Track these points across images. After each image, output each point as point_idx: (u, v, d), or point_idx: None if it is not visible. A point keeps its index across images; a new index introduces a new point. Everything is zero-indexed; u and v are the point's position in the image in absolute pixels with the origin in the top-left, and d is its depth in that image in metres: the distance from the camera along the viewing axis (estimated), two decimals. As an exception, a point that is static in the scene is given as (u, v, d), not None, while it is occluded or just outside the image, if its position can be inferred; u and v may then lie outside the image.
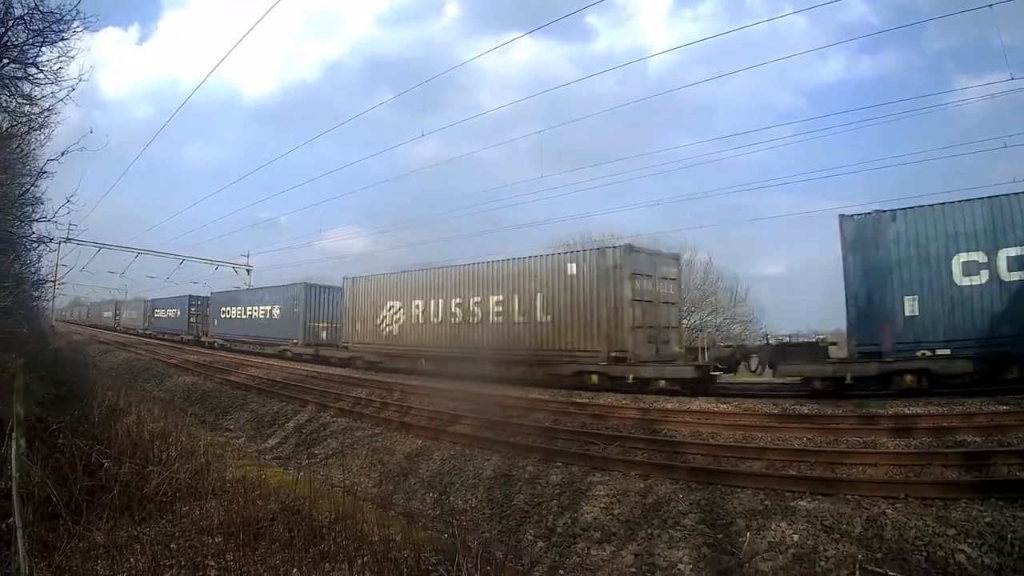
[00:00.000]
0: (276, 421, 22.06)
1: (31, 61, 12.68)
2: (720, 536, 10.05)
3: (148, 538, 8.32)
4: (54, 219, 15.12)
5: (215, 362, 39.07)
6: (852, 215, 20.72)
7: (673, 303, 26.80)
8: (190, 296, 62.36)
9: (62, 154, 13.46)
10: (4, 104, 13.69)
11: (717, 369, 23.29)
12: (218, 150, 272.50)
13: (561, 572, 10.17)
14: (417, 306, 32.43)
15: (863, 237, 20.49)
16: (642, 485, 12.20)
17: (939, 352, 18.69)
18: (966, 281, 18.50)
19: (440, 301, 31.18)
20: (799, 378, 21.48)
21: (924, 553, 8.61)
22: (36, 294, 27.36)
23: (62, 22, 12.23)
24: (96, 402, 14.89)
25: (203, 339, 57.93)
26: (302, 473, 13.84)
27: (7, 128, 14.62)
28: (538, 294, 26.62)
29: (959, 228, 18.68)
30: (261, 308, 48.39)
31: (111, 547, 7.88)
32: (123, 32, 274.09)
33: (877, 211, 20.34)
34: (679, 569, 9.54)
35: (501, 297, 28.26)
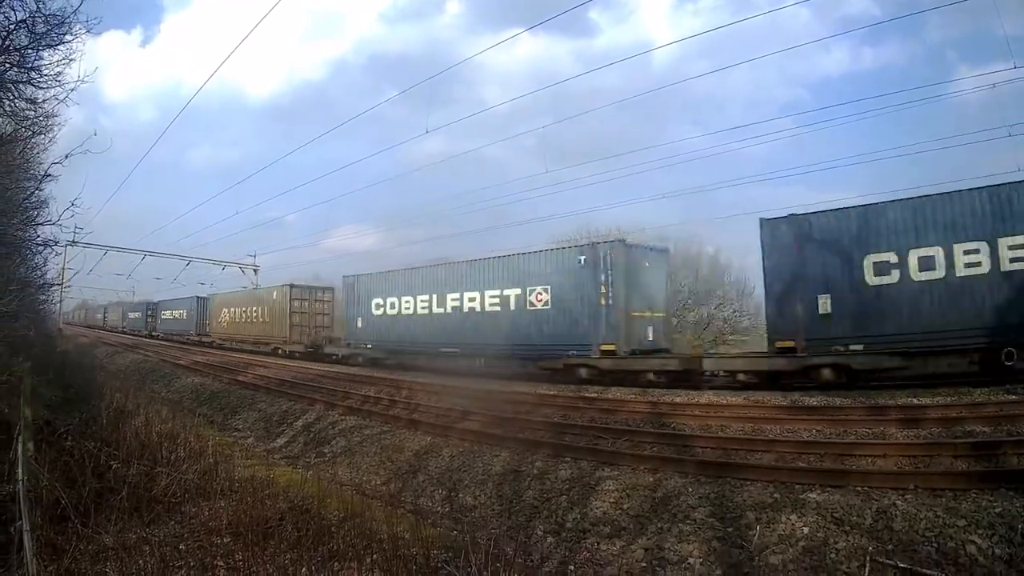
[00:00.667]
0: (285, 420, 22.05)
1: (33, 64, 12.68)
2: (730, 529, 10.02)
3: (157, 539, 8.33)
4: (59, 222, 15.14)
5: (223, 363, 39.06)
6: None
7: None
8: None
9: (66, 157, 13.48)
10: (7, 108, 13.68)
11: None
12: (224, 151, 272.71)
13: (571, 567, 10.14)
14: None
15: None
16: (651, 479, 12.16)
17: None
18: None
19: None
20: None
21: (934, 544, 8.58)
22: (43, 297, 27.42)
23: (64, 25, 12.23)
24: (104, 404, 14.92)
25: (204, 339, 60.12)
26: (311, 472, 13.87)
27: (11, 132, 14.62)
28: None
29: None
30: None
31: (120, 549, 7.89)
32: (126, 35, 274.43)
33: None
34: (689, 563, 9.52)
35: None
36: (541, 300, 27.23)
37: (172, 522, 9.43)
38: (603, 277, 25.05)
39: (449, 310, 31.40)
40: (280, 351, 45.39)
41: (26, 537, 6.83)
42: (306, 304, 45.35)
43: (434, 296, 32.33)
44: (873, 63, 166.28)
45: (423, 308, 32.91)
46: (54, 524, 8.28)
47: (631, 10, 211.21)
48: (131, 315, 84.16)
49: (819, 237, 20.21)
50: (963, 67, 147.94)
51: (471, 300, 30.29)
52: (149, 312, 74.84)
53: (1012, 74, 24.15)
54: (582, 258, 26.03)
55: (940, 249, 18.12)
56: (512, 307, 28.31)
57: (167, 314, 63.39)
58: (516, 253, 29.23)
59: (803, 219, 20.77)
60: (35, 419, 10.97)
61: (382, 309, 35.61)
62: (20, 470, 8.44)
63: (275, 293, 47.50)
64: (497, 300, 29.07)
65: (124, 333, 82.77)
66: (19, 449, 9.31)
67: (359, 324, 37.56)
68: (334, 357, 39.79)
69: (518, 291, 28.11)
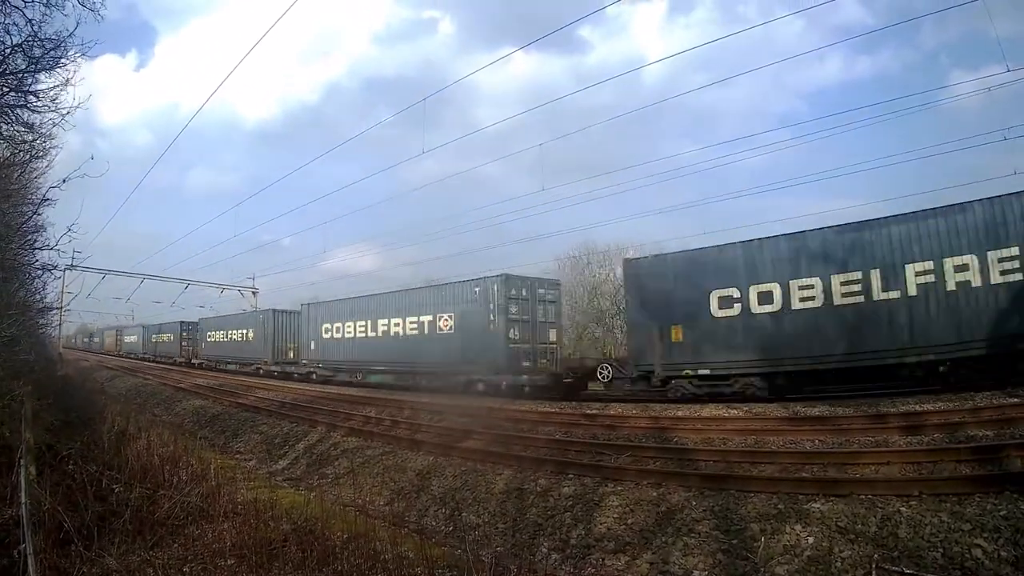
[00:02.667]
0: (286, 442, 22.03)
1: (30, 88, 12.70)
2: (735, 541, 10.02)
3: (161, 562, 8.32)
4: (56, 247, 15.15)
5: (224, 385, 39.13)
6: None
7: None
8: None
9: (64, 181, 13.50)
10: (4, 132, 13.71)
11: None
12: (221, 174, 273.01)
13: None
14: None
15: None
16: (655, 494, 12.15)
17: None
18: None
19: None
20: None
21: (940, 550, 8.58)
22: (42, 321, 27.42)
23: (60, 49, 12.25)
24: (105, 428, 14.93)
25: (193, 361, 64.13)
26: (314, 493, 13.83)
27: (8, 156, 14.65)
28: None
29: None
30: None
31: (123, 572, 7.89)
32: (120, 58, 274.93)
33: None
34: (694, 576, 9.53)
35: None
36: (447, 326, 32.06)
37: (175, 545, 9.40)
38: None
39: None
40: (261, 371, 49.31)
41: (30, 561, 6.82)
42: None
43: (368, 322, 37.59)
44: (868, 71, 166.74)
45: (360, 332, 38.22)
46: (57, 548, 8.26)
47: (622, 25, 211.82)
48: (128, 339, 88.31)
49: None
50: (957, 72, 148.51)
51: (396, 325, 35.42)
52: (185, 334, 74.40)
53: (1006, 77, 24.22)
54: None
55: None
56: (426, 331, 33.27)
57: (234, 334, 60.47)
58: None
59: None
60: (37, 443, 10.96)
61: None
62: (23, 494, 8.43)
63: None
64: (416, 325, 34.02)
65: (120, 356, 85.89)
66: (21, 473, 9.30)
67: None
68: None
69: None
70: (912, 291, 18.53)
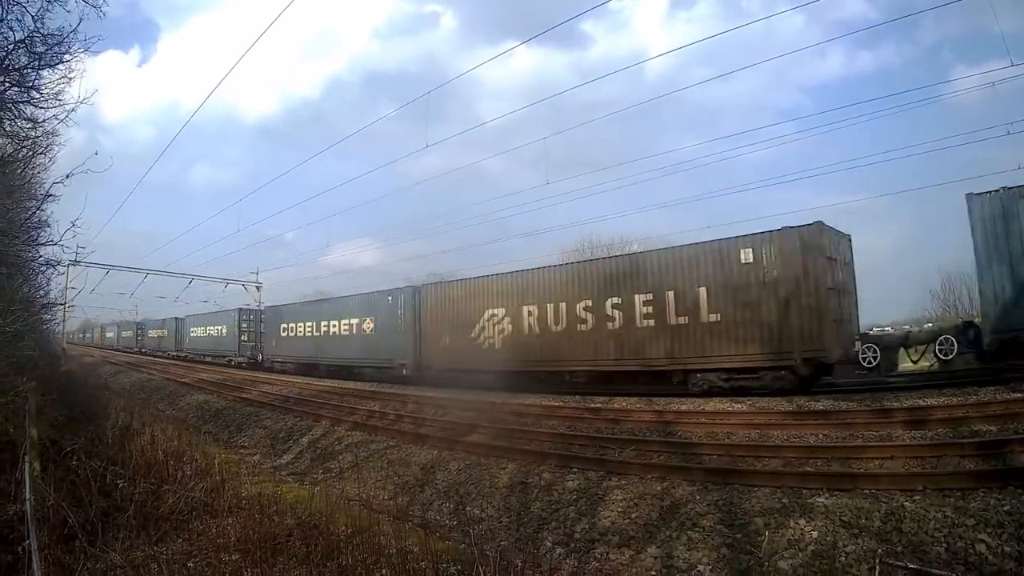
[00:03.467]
0: (291, 437, 22.06)
1: (32, 84, 12.71)
2: (739, 536, 10.02)
3: (165, 557, 8.30)
4: (60, 242, 15.17)
5: (227, 380, 39.25)
6: None
7: None
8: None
9: (67, 176, 13.52)
10: (7, 128, 13.71)
11: None
12: (224, 170, 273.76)
13: (581, 578, 10.14)
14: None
15: None
16: (659, 488, 12.16)
17: None
18: None
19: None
20: None
21: (944, 544, 8.58)
22: (46, 317, 27.44)
23: (63, 44, 12.26)
24: (109, 423, 14.94)
25: (175, 353, 71.07)
26: (318, 488, 13.84)
27: (11, 152, 14.66)
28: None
29: None
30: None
31: (128, 567, 7.88)
32: (123, 55, 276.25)
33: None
34: (699, 570, 9.51)
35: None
36: (370, 328, 39.11)
37: (180, 540, 9.41)
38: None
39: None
40: (231, 362, 56.50)
41: (34, 556, 6.82)
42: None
43: (313, 323, 45.36)
44: (871, 65, 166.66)
45: (308, 332, 45.94)
46: (62, 543, 8.26)
47: (625, 19, 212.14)
48: (124, 334, 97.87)
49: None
50: (960, 67, 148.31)
51: (334, 326, 42.87)
52: (139, 331, 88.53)
53: (1010, 72, 24.21)
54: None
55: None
56: (355, 331, 40.58)
57: (152, 333, 74.47)
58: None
59: None
60: (41, 438, 10.98)
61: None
62: (27, 490, 8.44)
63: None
64: (348, 326, 41.32)
65: (115, 350, 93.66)
66: (26, 469, 9.32)
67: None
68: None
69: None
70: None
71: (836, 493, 10.44)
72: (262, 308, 58.64)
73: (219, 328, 61.13)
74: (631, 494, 12.21)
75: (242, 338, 55.44)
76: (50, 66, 12.54)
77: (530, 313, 28.62)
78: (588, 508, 12.15)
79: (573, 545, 11.14)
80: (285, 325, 48.95)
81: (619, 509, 11.81)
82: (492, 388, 25.45)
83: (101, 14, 12.21)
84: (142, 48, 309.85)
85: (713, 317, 22.35)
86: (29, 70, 12.33)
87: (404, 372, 35.48)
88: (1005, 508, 9.07)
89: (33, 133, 14.54)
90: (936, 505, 9.47)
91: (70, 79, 12.99)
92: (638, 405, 20.43)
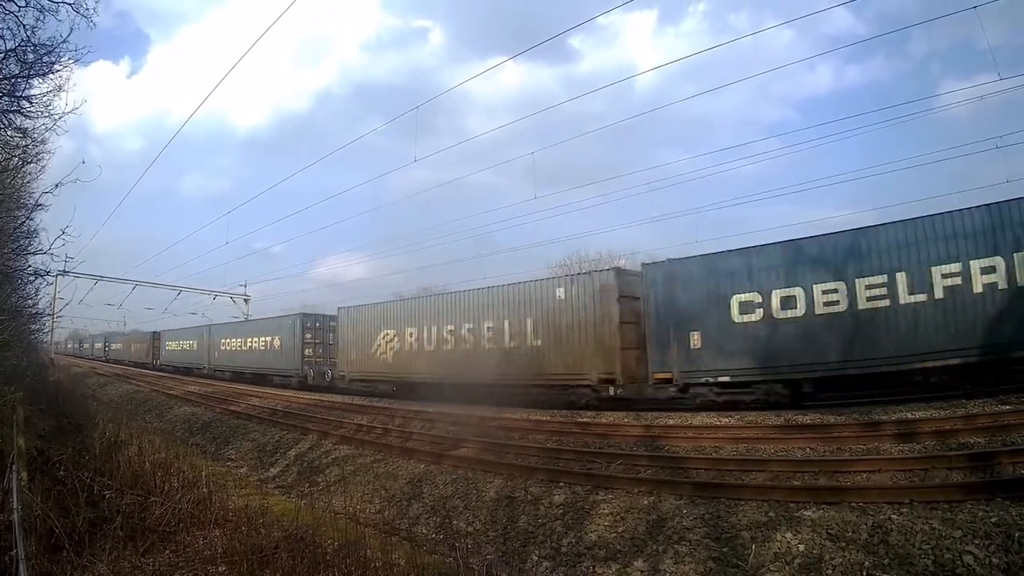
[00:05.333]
0: (278, 450, 22.03)
1: (23, 94, 12.70)
2: (726, 549, 10.05)
3: (152, 569, 8.31)
4: (49, 251, 15.14)
5: (215, 392, 39.12)
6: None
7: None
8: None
9: (56, 186, 13.50)
10: (-2, 137, 13.72)
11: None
12: (214, 180, 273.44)
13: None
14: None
15: None
16: (646, 502, 12.17)
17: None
18: None
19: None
20: None
21: (931, 557, 8.61)
22: (34, 327, 27.37)
23: (53, 54, 12.26)
24: (97, 434, 14.90)
25: (153, 363, 73.76)
26: (305, 501, 13.82)
27: (1, 161, 14.63)
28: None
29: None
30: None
31: (115, 578, 7.86)
32: (114, 65, 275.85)
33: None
34: (686, 584, 9.55)
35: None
36: (276, 345, 46.92)
37: (167, 551, 9.39)
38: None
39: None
40: (200, 370, 60.75)
41: (21, 566, 6.80)
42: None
43: (239, 339, 53.20)
44: (859, 80, 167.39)
45: (236, 346, 53.24)
46: (49, 553, 8.24)
47: (613, 34, 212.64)
48: (96, 345, 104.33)
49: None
50: (948, 81, 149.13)
51: (251, 342, 51.02)
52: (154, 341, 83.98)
53: (998, 85, 24.33)
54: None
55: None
56: (267, 348, 48.32)
57: (183, 343, 70.89)
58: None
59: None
60: (28, 448, 10.94)
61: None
62: (15, 499, 8.41)
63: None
64: (263, 343, 48.99)
65: (89, 359, 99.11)
66: (13, 478, 9.28)
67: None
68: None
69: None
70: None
71: (823, 506, 10.46)
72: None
73: (190, 342, 63.44)
74: (618, 508, 12.22)
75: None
76: (40, 76, 12.53)
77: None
78: (575, 522, 12.15)
79: (560, 559, 11.15)
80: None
81: (606, 523, 11.81)
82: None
83: (92, 24, 12.20)
84: (132, 59, 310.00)
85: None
86: (19, 79, 12.33)
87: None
88: (992, 520, 9.09)
89: (23, 142, 14.55)
90: (923, 517, 9.49)
91: (60, 89, 13.00)
92: (626, 420, 20.42)
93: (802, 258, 20.44)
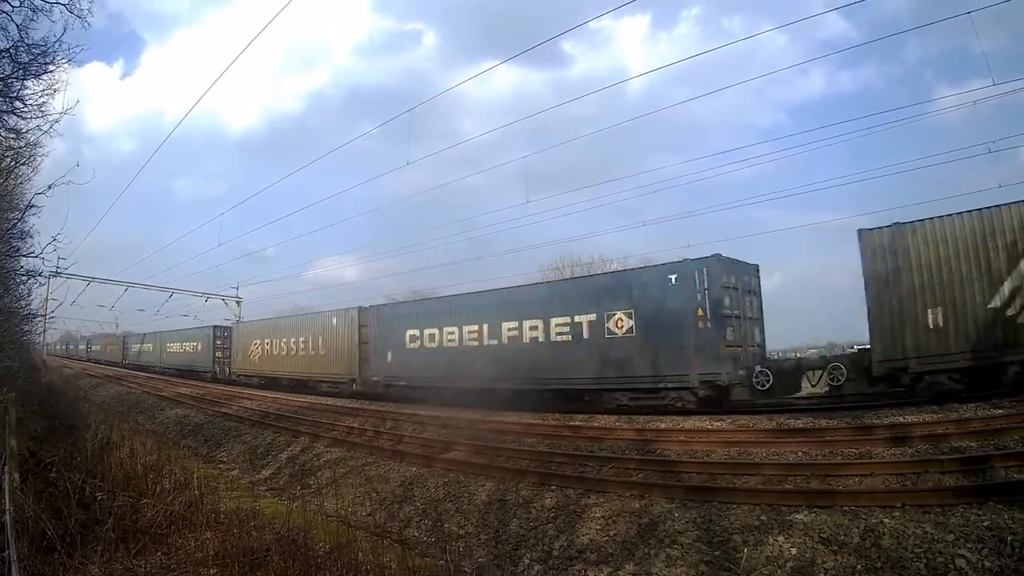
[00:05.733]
0: (269, 452, 22.00)
1: (17, 94, 12.68)
2: (717, 553, 10.04)
3: (144, 570, 8.30)
4: (41, 254, 15.10)
5: (207, 395, 39.09)
6: None
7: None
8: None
9: (49, 187, 13.47)
10: (-10, 138, 13.69)
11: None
12: (206, 182, 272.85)
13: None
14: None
15: None
16: (638, 505, 12.16)
17: None
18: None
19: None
20: None
21: (923, 560, 8.60)
22: (26, 328, 27.31)
23: (47, 55, 12.24)
24: (89, 436, 14.86)
25: (123, 361, 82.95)
26: (296, 503, 13.80)
27: (-5, 163, 14.61)
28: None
29: None
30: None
31: (107, 580, 7.85)
32: (107, 67, 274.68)
33: None
34: (677, 587, 9.54)
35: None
36: (199, 348, 58.07)
37: (159, 553, 9.38)
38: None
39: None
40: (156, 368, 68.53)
41: (13, 567, 6.79)
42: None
43: (176, 343, 64.60)
44: (852, 85, 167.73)
45: (175, 349, 64.95)
46: (41, 555, 8.22)
47: (606, 39, 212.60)
48: (146, 347, 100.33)
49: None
50: (941, 86, 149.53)
51: (184, 346, 61.69)
52: (88, 345, 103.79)
53: (991, 91, 24.40)
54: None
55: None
56: (193, 350, 59.77)
57: (150, 345, 77.32)
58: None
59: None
60: (20, 450, 10.91)
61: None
62: (7, 500, 8.39)
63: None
64: (191, 347, 60.09)
65: (68, 358, 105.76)
66: (5, 480, 9.27)
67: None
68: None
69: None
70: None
71: (815, 510, 10.46)
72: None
73: (193, 344, 63.02)
74: (610, 511, 12.21)
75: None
76: (34, 76, 12.51)
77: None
78: (567, 525, 12.14)
79: (551, 562, 11.13)
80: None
81: (597, 526, 11.81)
82: None
83: (86, 24, 12.18)
84: (126, 60, 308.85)
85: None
86: (13, 80, 12.31)
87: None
88: (985, 523, 9.10)
89: (16, 144, 14.52)
90: (916, 521, 9.49)
91: (54, 90, 12.97)
92: (617, 423, 20.42)
93: (435, 308, 33.08)
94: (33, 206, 15.25)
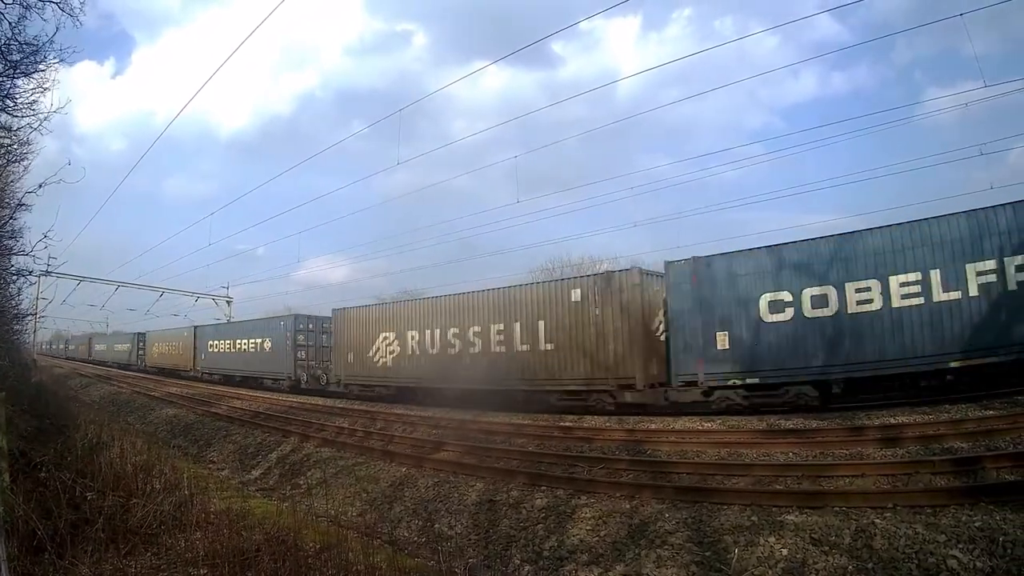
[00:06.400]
0: (259, 452, 21.99)
1: (7, 92, 12.64)
2: (708, 553, 10.03)
3: (133, 571, 8.25)
4: (32, 253, 15.06)
5: (197, 394, 39.09)
6: None
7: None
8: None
9: (40, 186, 13.45)
10: (-19, 136, 13.65)
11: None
12: (197, 182, 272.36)
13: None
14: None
15: None
16: (628, 506, 12.17)
17: None
18: None
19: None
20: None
21: (915, 561, 8.60)
22: (17, 327, 27.28)
23: (39, 53, 12.20)
24: (79, 435, 14.80)
25: (88, 357, 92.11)
26: (286, 503, 13.78)
27: (-16, 160, 14.57)
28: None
29: None
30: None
31: (97, 580, 7.82)
32: (98, 66, 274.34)
33: None
34: (668, 587, 9.54)
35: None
36: (128, 348, 67.93)
37: (149, 553, 9.33)
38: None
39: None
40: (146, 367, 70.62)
41: (3, 568, 6.76)
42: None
43: (120, 343, 75.52)
44: (843, 87, 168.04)
45: (120, 348, 76.15)
46: (30, 555, 8.17)
47: (596, 40, 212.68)
48: (61, 345, 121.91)
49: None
50: (932, 88, 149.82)
51: (117, 347, 73.31)
52: (67, 344, 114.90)
53: (983, 93, 24.51)
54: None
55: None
56: (125, 350, 68.51)
57: (120, 346, 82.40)
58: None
59: None
60: (10, 449, 10.86)
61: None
62: (-4, 500, 8.36)
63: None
64: (125, 348, 70.09)
65: (62, 358, 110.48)
66: (-6, 479, 9.24)
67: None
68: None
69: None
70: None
71: (806, 511, 10.47)
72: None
73: (125, 346, 77.70)
74: (600, 512, 12.21)
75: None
76: (26, 75, 12.48)
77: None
78: (556, 526, 12.14)
79: (541, 563, 11.13)
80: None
81: (588, 527, 11.80)
82: None
83: (78, 23, 12.15)
84: (117, 60, 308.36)
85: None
86: (4, 78, 12.27)
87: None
88: (976, 524, 9.11)
89: (7, 142, 14.47)
90: (907, 522, 9.50)
91: (45, 89, 12.94)
92: (608, 423, 20.44)
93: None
94: (24, 204, 15.23)
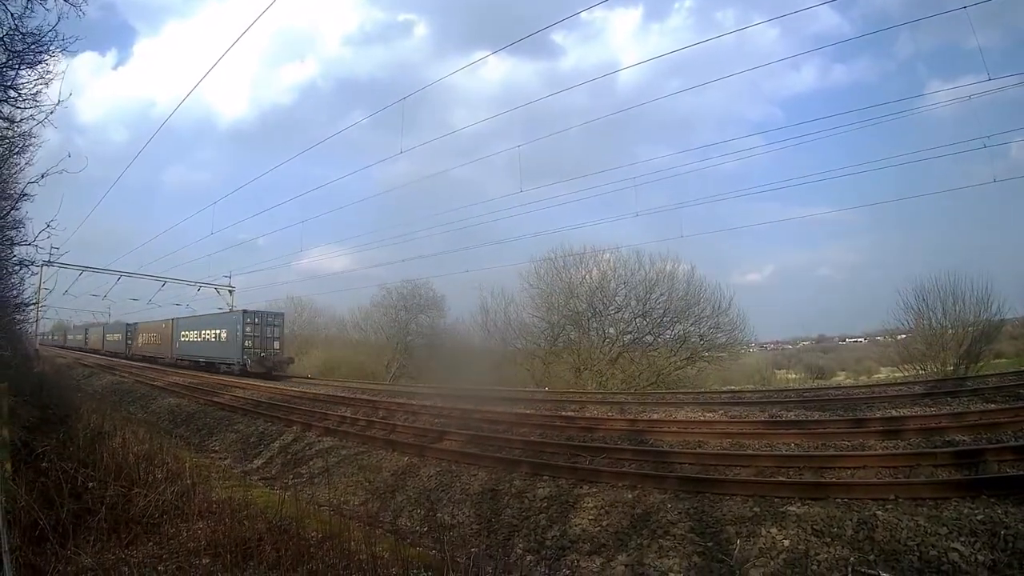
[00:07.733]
0: (262, 442, 21.97)
1: (10, 83, 12.62)
2: (710, 544, 10.01)
3: (136, 560, 8.25)
4: (34, 243, 15.05)
5: (200, 384, 39.06)
6: None
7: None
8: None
9: (42, 176, 13.41)
10: (-16, 127, 13.63)
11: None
12: (199, 172, 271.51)
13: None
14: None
15: None
16: (630, 496, 12.15)
17: None
18: None
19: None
20: None
21: (917, 553, 8.60)
22: (19, 317, 27.33)
23: (41, 44, 12.18)
24: (81, 425, 14.81)
25: (86, 347, 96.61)
26: (288, 493, 13.79)
27: (-13, 151, 14.56)
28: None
29: None
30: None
31: (99, 570, 7.80)
32: (100, 56, 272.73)
33: None
34: (670, 578, 9.53)
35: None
36: (223, 336, 54.53)
37: (151, 543, 9.33)
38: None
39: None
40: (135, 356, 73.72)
41: (5, 558, 6.76)
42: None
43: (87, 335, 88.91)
44: (845, 79, 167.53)
45: (97, 337, 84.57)
46: (33, 545, 8.17)
47: (597, 30, 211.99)
48: (58, 336, 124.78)
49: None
50: (935, 81, 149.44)
51: (207, 334, 58.70)
52: (60, 334, 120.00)
53: (987, 86, 24.39)
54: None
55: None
56: (215, 339, 56.53)
57: (111, 336, 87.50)
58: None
59: None
60: (13, 440, 10.86)
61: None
62: (-1, 491, 8.36)
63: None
64: (213, 335, 56.51)
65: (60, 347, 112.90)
66: (-4, 470, 9.24)
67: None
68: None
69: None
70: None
71: (808, 502, 10.47)
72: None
73: (113, 335, 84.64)
74: (602, 501, 12.21)
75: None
76: (29, 66, 12.45)
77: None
78: (559, 515, 12.14)
79: (544, 552, 11.13)
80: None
81: (590, 516, 11.80)
82: None
83: (81, 13, 12.11)
84: (119, 51, 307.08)
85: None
86: (8, 69, 12.25)
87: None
88: (978, 517, 9.11)
89: (9, 133, 14.45)
90: (909, 514, 9.49)
91: (48, 80, 12.92)
92: (610, 413, 20.45)
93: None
94: (26, 195, 15.19)
